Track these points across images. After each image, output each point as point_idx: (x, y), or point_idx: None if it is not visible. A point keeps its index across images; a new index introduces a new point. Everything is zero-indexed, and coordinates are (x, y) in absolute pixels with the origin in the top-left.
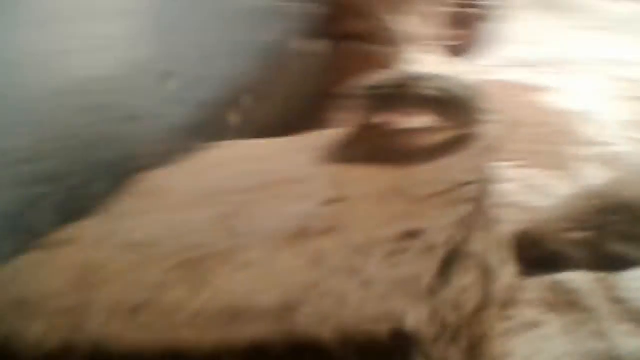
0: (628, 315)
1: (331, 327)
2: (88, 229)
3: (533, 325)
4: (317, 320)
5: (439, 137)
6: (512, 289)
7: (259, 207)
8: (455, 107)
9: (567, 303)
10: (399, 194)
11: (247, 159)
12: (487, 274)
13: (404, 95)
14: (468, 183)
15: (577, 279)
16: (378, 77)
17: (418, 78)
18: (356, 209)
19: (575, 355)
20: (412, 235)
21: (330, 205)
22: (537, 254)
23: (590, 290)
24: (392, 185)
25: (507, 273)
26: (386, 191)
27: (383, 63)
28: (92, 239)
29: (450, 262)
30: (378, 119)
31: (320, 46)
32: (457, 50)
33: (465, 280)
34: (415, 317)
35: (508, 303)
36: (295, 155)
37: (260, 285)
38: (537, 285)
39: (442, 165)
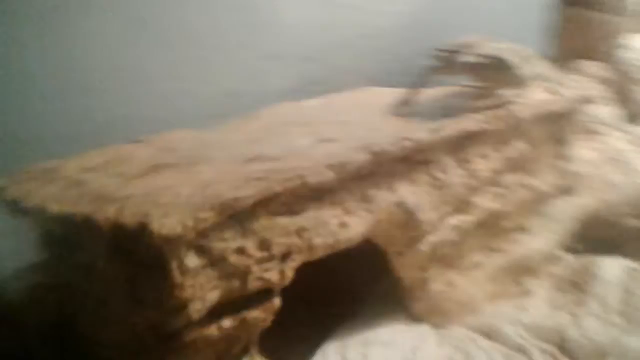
0: (627, 308)
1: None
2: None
3: (524, 293)
4: (133, 208)
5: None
6: (541, 259)
7: (280, 138)
8: (496, 72)
9: (578, 284)
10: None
11: (354, 101)
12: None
13: (456, 59)
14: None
15: (608, 265)
16: (447, 42)
17: (471, 45)
18: (327, 148)
19: (532, 329)
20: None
21: (318, 144)
22: (598, 235)
23: (609, 278)
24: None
25: (540, 242)
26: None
27: (610, 31)
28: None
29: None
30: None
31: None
32: None
33: (326, 215)
34: (172, 222)
35: (526, 270)
36: (370, 105)
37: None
38: (569, 262)
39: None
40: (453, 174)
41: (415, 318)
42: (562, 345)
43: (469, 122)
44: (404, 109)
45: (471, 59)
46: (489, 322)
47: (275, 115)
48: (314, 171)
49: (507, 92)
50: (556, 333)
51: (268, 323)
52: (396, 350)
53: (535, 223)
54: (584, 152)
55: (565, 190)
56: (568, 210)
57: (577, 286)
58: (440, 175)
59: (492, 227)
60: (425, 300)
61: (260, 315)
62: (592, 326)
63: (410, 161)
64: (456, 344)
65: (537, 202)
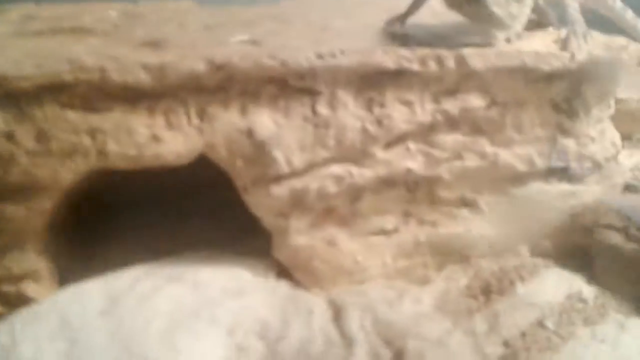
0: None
1: None
2: None
3: (424, 281)
4: None
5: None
6: (484, 247)
7: (229, 31)
8: (468, 4)
9: (491, 294)
10: None
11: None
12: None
13: None
14: None
15: (549, 282)
16: None
17: None
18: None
19: (382, 325)
20: None
21: (244, 44)
22: (570, 243)
23: (535, 300)
24: None
25: (490, 227)
26: None
27: None
28: None
29: None
30: None
31: None
32: None
33: (136, 123)
34: None
35: (453, 255)
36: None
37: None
38: (512, 264)
39: None
40: (346, 115)
41: (278, 270)
42: (400, 356)
43: (386, 57)
44: (395, 27)
45: None
46: (346, 299)
47: (286, 7)
48: (125, 69)
49: (500, 34)
50: (402, 339)
51: (36, 224)
52: (195, 295)
53: (494, 203)
54: (607, 129)
55: (560, 173)
56: (553, 199)
57: (488, 296)
58: (324, 111)
59: (418, 193)
60: (287, 251)
61: (20, 213)
62: (458, 350)
63: (284, 86)
64: (288, 309)
65: (504, 180)
